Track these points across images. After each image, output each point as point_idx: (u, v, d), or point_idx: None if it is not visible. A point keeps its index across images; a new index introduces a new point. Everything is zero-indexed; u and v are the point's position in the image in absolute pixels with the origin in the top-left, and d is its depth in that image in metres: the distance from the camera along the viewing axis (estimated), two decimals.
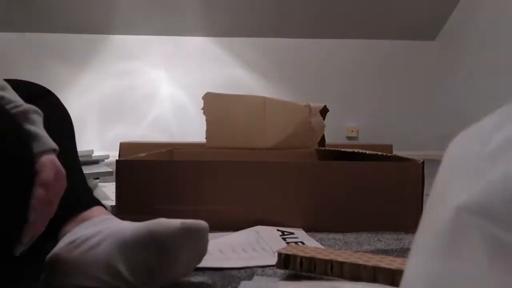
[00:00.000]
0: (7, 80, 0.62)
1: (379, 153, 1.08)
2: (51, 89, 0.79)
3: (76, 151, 0.71)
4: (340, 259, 0.57)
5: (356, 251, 0.72)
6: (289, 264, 0.59)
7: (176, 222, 0.51)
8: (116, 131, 3.39)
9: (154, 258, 0.51)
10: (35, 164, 0.50)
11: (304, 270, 0.58)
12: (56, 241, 0.58)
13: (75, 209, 0.59)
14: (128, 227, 0.53)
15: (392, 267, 0.54)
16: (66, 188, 0.54)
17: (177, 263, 0.52)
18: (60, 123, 0.69)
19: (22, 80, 0.71)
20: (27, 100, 0.56)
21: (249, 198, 0.90)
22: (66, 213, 0.58)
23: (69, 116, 0.74)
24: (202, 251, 0.55)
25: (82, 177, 0.67)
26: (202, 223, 0.53)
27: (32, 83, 0.72)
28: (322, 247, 0.75)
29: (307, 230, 0.87)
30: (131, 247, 0.51)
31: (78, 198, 0.62)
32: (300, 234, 0.84)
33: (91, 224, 0.57)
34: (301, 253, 0.59)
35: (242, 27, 3.40)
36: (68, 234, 0.57)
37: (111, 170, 1.52)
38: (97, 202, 0.63)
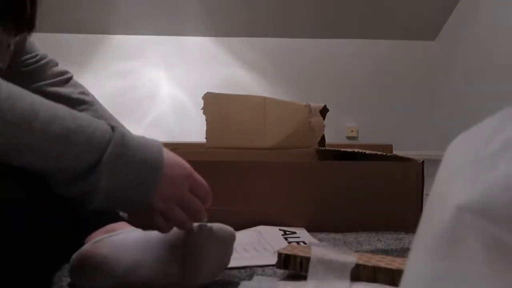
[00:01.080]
0: None
1: (379, 153, 1.07)
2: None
3: None
4: None
5: (356, 251, 0.72)
6: (289, 264, 0.59)
7: (205, 225, 0.54)
8: None
9: (180, 259, 0.52)
10: None
11: (304, 270, 0.58)
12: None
13: (103, 220, 0.62)
14: (154, 232, 0.54)
15: (392, 267, 0.54)
16: None
17: (202, 266, 0.54)
18: None
19: None
20: None
21: (249, 198, 0.90)
22: (95, 223, 0.60)
23: None
24: (226, 259, 0.57)
25: None
26: (230, 229, 0.56)
27: None
28: None
29: (308, 229, 0.87)
30: (158, 249, 0.53)
31: (107, 212, 0.64)
32: (302, 233, 0.84)
33: (119, 233, 0.59)
34: (301, 253, 0.59)
35: (242, 27, 3.40)
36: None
37: None
38: (124, 220, 0.66)
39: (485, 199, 0.23)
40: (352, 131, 3.51)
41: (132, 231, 0.59)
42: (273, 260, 0.62)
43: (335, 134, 3.42)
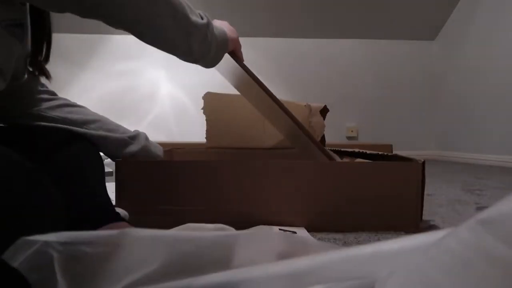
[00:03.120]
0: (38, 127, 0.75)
1: (380, 153, 1.07)
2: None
3: (105, 184, 0.79)
4: None
5: None
6: None
7: (208, 225, 0.54)
8: None
9: None
10: None
11: None
12: None
13: (104, 219, 0.63)
14: None
15: None
16: (99, 205, 0.65)
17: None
18: (93, 162, 0.78)
19: (55, 126, 0.78)
20: (61, 143, 0.70)
21: (249, 198, 0.90)
22: (96, 223, 0.62)
23: (99, 154, 0.82)
24: None
25: (111, 204, 0.72)
26: (231, 229, 0.59)
27: (65, 129, 0.80)
28: None
29: (308, 229, 0.87)
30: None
31: (107, 212, 0.66)
32: (302, 233, 0.84)
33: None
34: None
35: (242, 27, 3.39)
36: None
37: (111, 170, 1.51)
38: (125, 220, 0.68)
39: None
40: (352, 131, 3.51)
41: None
42: None
43: (335, 134, 3.42)
